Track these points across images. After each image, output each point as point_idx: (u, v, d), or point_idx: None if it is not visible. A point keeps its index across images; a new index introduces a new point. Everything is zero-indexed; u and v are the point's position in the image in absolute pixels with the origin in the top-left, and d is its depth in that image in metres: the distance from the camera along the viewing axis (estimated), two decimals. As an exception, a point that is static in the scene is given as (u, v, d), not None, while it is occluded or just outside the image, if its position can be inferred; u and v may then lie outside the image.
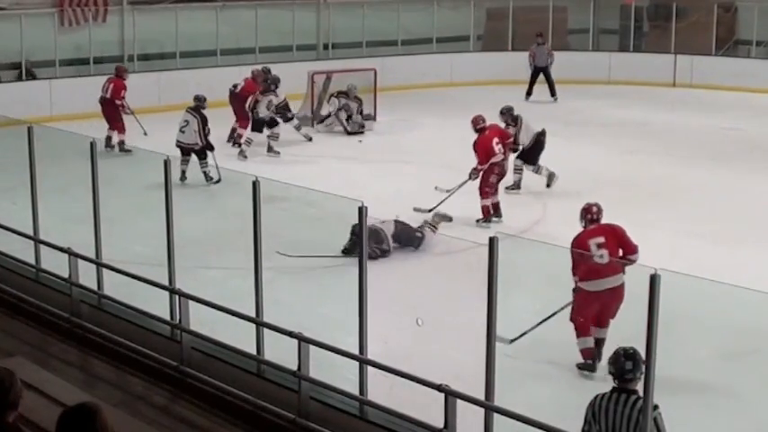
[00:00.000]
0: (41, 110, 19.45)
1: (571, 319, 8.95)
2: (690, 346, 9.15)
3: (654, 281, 5.33)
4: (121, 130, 18.21)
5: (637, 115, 22.22)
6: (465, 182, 13.74)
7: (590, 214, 9.32)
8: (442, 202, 13.51)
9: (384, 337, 7.83)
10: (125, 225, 11.83)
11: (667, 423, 5.60)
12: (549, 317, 9.04)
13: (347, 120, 20.16)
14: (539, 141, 15.07)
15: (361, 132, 20.06)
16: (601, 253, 8.89)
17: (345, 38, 25.92)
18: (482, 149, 13.57)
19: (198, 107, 16.16)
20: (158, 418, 7.62)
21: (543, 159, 15.31)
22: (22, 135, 9.73)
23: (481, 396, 6.36)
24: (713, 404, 8.31)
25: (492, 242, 6.17)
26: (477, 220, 13.27)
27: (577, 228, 9.30)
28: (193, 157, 15.79)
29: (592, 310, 8.90)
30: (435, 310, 9.43)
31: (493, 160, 13.49)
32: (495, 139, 13.59)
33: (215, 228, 12.90)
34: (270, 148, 17.94)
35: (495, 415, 6.34)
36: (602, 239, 8.96)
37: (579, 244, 8.99)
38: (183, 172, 15.65)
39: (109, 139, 18.15)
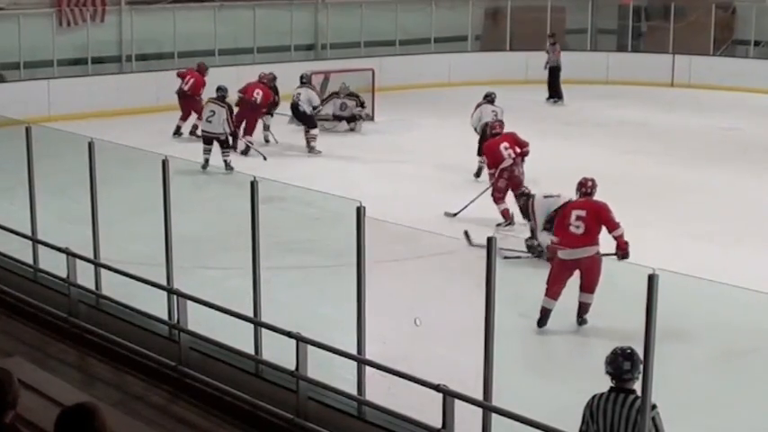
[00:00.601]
0: (39, 110, 19.45)
1: (547, 282, 9.78)
2: (688, 346, 9.16)
3: (652, 281, 5.32)
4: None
5: (635, 115, 22.23)
6: (486, 189, 13.78)
7: (584, 188, 10.13)
8: (470, 203, 13.32)
9: (382, 338, 7.83)
10: (123, 225, 11.83)
11: (665, 423, 5.59)
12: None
13: (347, 120, 20.21)
14: (483, 131, 15.23)
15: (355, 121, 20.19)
16: (577, 224, 9.72)
17: (343, 38, 25.92)
18: (488, 153, 13.92)
19: (222, 97, 16.61)
20: (157, 418, 7.62)
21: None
22: (20, 135, 9.72)
23: (479, 396, 6.36)
24: (711, 404, 8.31)
25: (490, 242, 6.17)
26: (498, 225, 13.25)
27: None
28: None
29: (563, 276, 9.73)
30: (433, 311, 9.43)
31: (502, 165, 13.53)
32: (505, 144, 13.63)
33: (213, 227, 12.89)
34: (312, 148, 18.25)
35: (494, 415, 6.34)
36: (583, 213, 9.78)
37: (564, 212, 10.06)
38: (207, 161, 16.12)
39: (179, 128, 19.08)
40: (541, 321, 9.68)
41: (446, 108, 22.34)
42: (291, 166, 16.76)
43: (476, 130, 16.07)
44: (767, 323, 9.19)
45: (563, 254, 9.69)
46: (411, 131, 20.52)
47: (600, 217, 9.73)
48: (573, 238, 9.67)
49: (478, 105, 16.45)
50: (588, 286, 9.66)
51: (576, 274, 9.71)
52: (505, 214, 13.51)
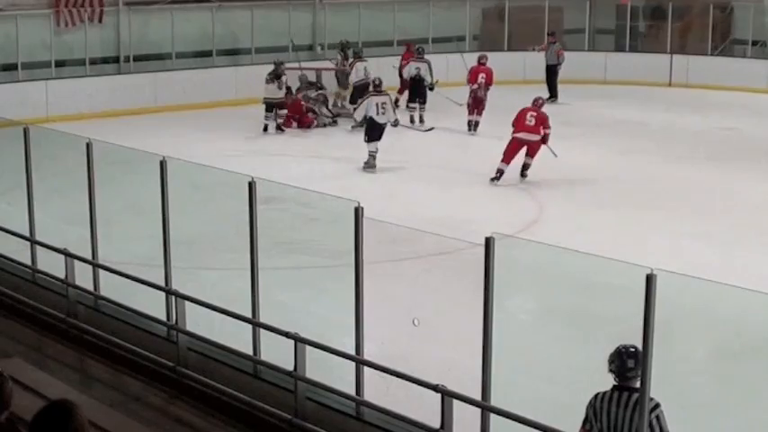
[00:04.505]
0: (37, 111, 19.43)
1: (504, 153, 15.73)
2: (687, 346, 9.15)
3: (650, 281, 5.32)
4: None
5: (633, 115, 22.22)
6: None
7: (537, 103, 16.03)
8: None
9: (381, 338, 7.83)
10: (121, 226, 11.82)
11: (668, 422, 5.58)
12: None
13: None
14: (356, 88, 20.86)
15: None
16: (531, 120, 15.70)
17: (341, 38, 25.86)
18: (471, 75, 20.12)
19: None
20: (155, 418, 7.61)
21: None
22: (18, 136, 9.71)
23: (478, 396, 6.36)
24: (711, 404, 8.31)
25: (488, 242, 6.17)
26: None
27: (573, 228, 9.80)
28: None
29: (518, 149, 15.76)
30: (432, 311, 9.43)
31: (472, 87, 19.97)
32: (482, 75, 20.08)
33: (211, 228, 12.88)
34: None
35: (492, 415, 6.33)
36: (535, 114, 15.80)
37: (521, 113, 15.93)
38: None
39: (396, 100, 21.53)
40: (497, 178, 15.64)
41: (443, 108, 22.30)
42: (290, 167, 16.74)
43: (355, 86, 20.72)
44: (767, 323, 9.19)
45: (520, 135, 15.69)
46: (408, 132, 20.50)
47: (542, 118, 15.77)
48: (528, 128, 15.67)
49: (352, 65, 21.42)
50: (532, 155, 15.83)
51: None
52: (469, 123, 19.97)
